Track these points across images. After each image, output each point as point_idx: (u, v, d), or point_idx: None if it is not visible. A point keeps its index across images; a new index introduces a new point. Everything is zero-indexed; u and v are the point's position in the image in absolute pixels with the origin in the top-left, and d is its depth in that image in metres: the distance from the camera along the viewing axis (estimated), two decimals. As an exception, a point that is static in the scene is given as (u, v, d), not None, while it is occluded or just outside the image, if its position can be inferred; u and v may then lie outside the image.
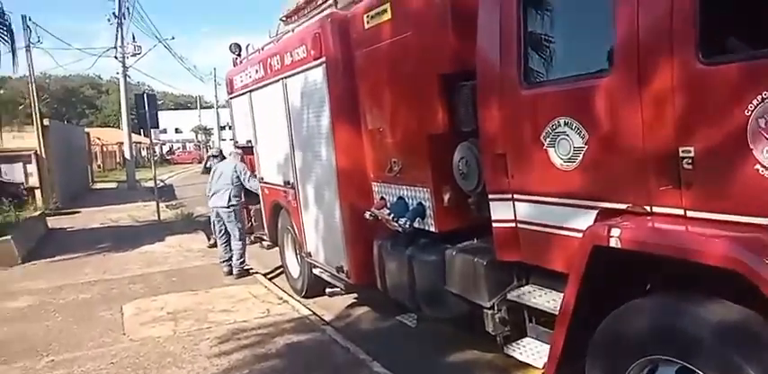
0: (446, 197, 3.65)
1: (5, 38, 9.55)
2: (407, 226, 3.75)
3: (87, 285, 7.03)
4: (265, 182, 6.84)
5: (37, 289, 6.97)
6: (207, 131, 59.19)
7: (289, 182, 5.87)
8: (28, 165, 16.95)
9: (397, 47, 3.79)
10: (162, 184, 26.72)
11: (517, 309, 3.16)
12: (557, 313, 2.73)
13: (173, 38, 53.03)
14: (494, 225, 3.13)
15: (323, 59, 4.70)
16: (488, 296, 3.20)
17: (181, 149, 58.43)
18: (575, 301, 2.50)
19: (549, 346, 2.91)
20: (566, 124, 2.66)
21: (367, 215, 4.26)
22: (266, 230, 7.09)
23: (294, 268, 6.41)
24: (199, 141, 55.21)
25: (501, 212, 3.08)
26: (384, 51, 3.99)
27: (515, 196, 3.00)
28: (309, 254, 5.60)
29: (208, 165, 10.08)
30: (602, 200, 2.57)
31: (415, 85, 3.69)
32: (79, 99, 70.94)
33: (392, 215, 3.92)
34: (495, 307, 3.19)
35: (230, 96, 7.95)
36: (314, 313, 5.38)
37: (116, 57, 29.67)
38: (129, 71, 29.88)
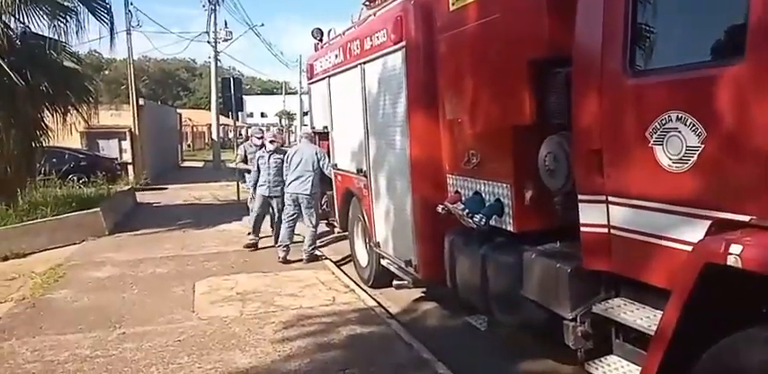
0: (528, 194, 3.35)
1: (105, 19, 10.01)
2: (483, 223, 3.49)
3: (165, 260, 7.29)
4: (339, 169, 6.76)
5: (119, 260, 7.31)
6: (290, 116, 60.86)
7: (361, 170, 5.74)
8: (123, 142, 18.07)
9: (485, 30, 3.50)
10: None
11: (603, 323, 2.83)
12: (650, 332, 2.41)
13: (262, 24, 54.72)
14: (582, 229, 2.81)
15: (403, 44, 4.48)
16: (571, 307, 2.89)
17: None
18: (676, 323, 2.16)
19: (637, 368, 2.60)
20: (678, 119, 2.30)
21: (439, 208, 4.03)
22: (337, 217, 7.03)
23: (363, 257, 6.30)
24: (282, 125, 56.79)
25: (591, 215, 2.75)
26: (469, 35, 3.71)
27: (610, 198, 2.66)
28: (378, 245, 5.46)
29: (248, 155, 8.46)
30: (717, 210, 2.19)
31: (501, 72, 3.39)
32: (175, 81, 74.71)
33: (467, 210, 3.67)
34: (578, 320, 2.88)
35: (310, 81, 7.94)
36: (380, 304, 5.24)
37: (208, 42, 30.92)
38: (221, 56, 31.13)
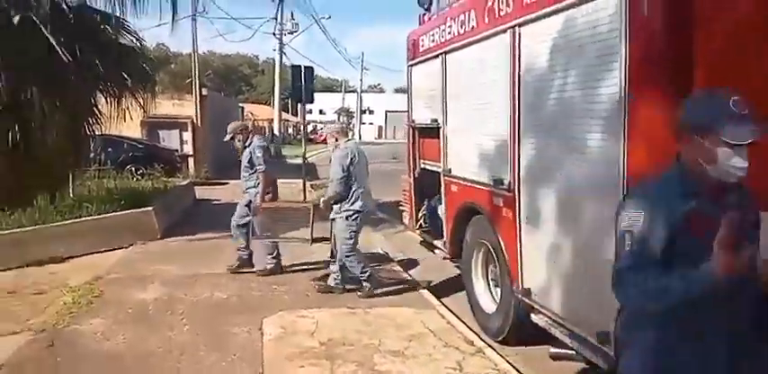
0: None
1: (169, -1, 8.77)
2: None
3: (225, 279, 5.85)
4: (452, 176, 5.13)
5: (170, 276, 5.94)
6: (349, 114, 59.91)
7: (501, 182, 4.06)
8: (184, 133, 17.10)
9: None
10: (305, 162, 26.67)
11: None
12: None
13: (329, 17, 52.70)
14: None
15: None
16: None
17: (322, 129, 59.49)
18: None
19: None
20: None
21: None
22: (446, 240, 5.37)
23: (487, 300, 4.62)
24: (341, 123, 55.92)
25: None
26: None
27: None
28: (529, 293, 3.75)
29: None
30: None
31: None
32: (237, 77, 75.66)
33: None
34: None
35: (412, 62, 6.32)
36: (530, 382, 3.57)
37: (274, 34, 30.22)
38: (284, 52, 30.31)
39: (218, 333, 4.30)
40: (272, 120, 37.20)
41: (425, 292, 5.50)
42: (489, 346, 4.12)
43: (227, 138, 6.17)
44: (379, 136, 62.67)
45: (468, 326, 4.57)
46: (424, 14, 6.20)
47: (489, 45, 4.26)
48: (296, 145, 39.90)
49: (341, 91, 68.25)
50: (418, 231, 6.22)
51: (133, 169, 13.01)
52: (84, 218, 7.25)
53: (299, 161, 27.21)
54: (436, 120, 5.48)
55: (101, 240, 7.14)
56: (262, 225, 6.02)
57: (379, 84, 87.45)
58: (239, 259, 6.16)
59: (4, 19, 6.72)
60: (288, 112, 43.54)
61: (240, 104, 34.58)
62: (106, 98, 8.64)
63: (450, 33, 5.12)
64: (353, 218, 5.25)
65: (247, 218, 6.10)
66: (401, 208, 6.83)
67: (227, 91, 61.83)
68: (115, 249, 7.16)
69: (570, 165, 3.25)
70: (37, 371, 3.64)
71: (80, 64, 7.41)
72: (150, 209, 7.88)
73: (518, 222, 3.84)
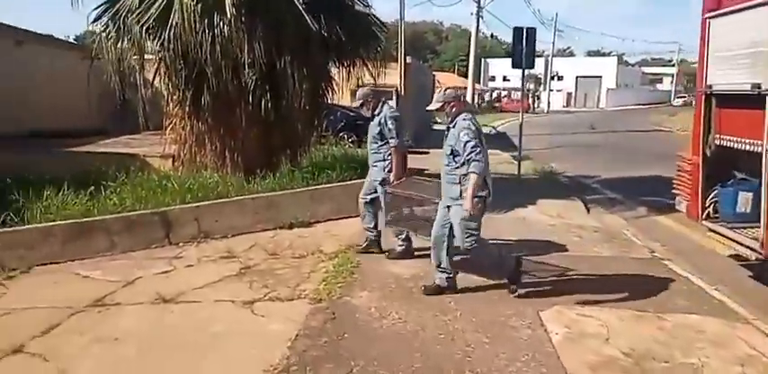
0: None
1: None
2: None
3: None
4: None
5: (416, 249, 5.75)
6: (537, 80, 56.68)
7: None
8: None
9: None
10: (494, 132, 25.76)
11: None
12: None
13: (527, -22, 49.75)
14: None
15: None
16: None
17: (507, 97, 57.20)
18: None
19: None
20: None
21: None
22: (762, 235, 4.32)
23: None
24: (528, 90, 53.19)
25: None
26: None
27: None
28: None
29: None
30: None
31: None
32: (422, 44, 76.17)
33: None
34: None
35: (711, 14, 5.17)
36: None
37: (474, -1, 29.27)
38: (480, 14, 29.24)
39: (495, 324, 3.91)
40: (461, 88, 36.52)
41: (722, 297, 4.54)
42: None
43: (357, 103, 5.58)
44: (567, 104, 58.56)
45: (808, 351, 3.59)
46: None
47: None
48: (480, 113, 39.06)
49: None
50: (706, 222, 5.19)
51: (345, 136, 13.46)
52: (325, 185, 7.45)
53: (486, 130, 26.31)
54: (759, 86, 4.37)
55: (338, 206, 7.26)
56: (388, 207, 5.20)
57: (568, 48, 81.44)
58: (367, 239, 5.63)
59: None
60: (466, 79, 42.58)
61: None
62: (339, 67, 8.75)
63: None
64: (482, 203, 4.23)
65: (374, 195, 5.45)
66: (675, 192, 5.80)
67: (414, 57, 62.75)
68: (350, 217, 7.24)
69: None
70: (332, 346, 3.57)
71: (322, 31, 7.49)
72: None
73: None
